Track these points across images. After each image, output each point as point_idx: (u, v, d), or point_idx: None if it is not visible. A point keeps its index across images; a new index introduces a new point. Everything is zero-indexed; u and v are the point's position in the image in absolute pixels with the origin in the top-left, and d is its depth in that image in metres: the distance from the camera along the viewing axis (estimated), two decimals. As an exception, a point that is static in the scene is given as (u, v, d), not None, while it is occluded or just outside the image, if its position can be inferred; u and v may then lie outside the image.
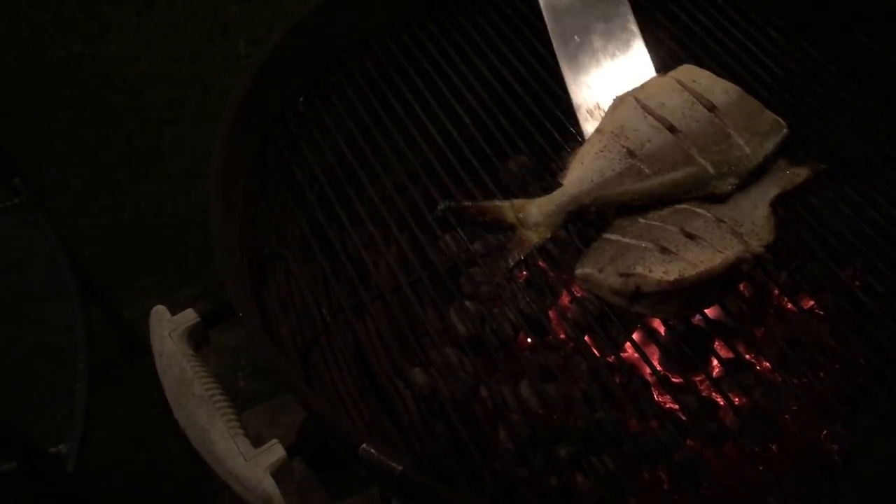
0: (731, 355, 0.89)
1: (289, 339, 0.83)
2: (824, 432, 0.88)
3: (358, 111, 0.95)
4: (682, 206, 0.80)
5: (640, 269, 0.74)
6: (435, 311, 0.98)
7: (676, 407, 0.90)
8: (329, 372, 0.89)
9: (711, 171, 0.83)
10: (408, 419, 0.87)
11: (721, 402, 0.91)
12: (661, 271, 0.73)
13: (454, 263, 0.98)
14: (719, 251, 0.74)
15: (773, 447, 0.87)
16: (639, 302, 0.76)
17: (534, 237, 0.85)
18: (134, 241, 1.99)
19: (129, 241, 1.99)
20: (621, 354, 0.95)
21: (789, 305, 0.96)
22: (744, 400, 0.90)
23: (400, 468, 0.61)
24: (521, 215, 0.86)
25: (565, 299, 1.00)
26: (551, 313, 1.00)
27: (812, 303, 0.96)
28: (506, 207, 0.87)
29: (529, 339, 0.97)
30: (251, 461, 0.63)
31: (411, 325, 0.92)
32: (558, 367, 0.93)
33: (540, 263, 1.00)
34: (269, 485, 0.62)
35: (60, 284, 1.36)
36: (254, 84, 0.91)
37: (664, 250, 0.75)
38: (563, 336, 0.99)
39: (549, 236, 0.87)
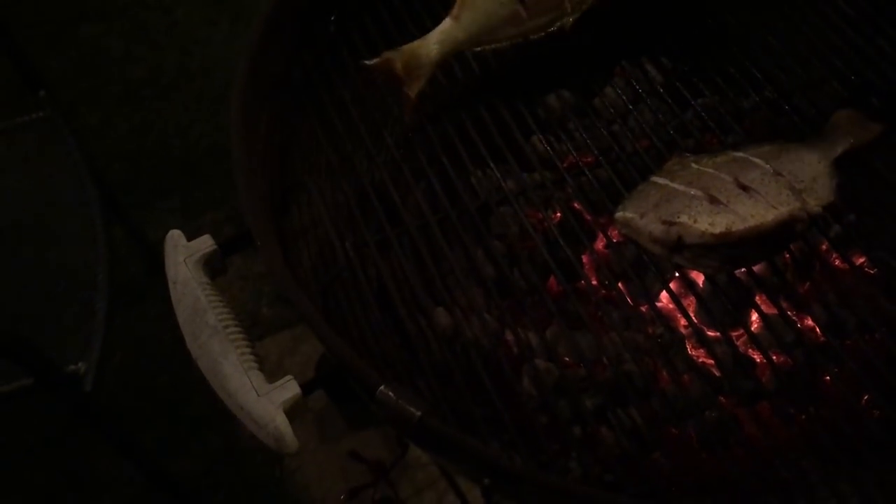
0: (773, 311, 0.84)
1: (309, 272, 0.79)
2: (866, 398, 0.84)
3: (391, 34, 0.89)
4: (740, 154, 0.75)
5: (684, 218, 0.69)
6: (463, 250, 0.94)
7: (711, 362, 0.86)
8: (351, 307, 0.86)
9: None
10: (428, 360, 0.84)
11: (759, 359, 0.87)
12: (708, 222, 0.69)
13: (485, 202, 0.93)
14: (773, 207, 0.69)
15: (811, 410, 0.83)
16: (679, 253, 0.71)
17: (413, 89, 0.83)
18: (160, 161, 1.97)
19: (156, 161, 1.97)
20: (656, 304, 0.90)
21: (838, 262, 0.91)
22: (783, 359, 0.86)
23: (418, 414, 0.58)
24: (410, 63, 0.83)
25: (600, 244, 0.96)
26: (585, 258, 0.96)
27: (863, 260, 0.91)
28: (394, 59, 0.83)
29: (560, 285, 0.93)
30: (264, 397, 0.60)
31: (437, 264, 0.88)
32: (589, 315, 0.89)
33: (575, 205, 0.95)
34: (281, 422, 0.59)
35: (83, 201, 1.34)
36: (283, 1, 0.86)
37: (713, 200, 0.70)
38: (595, 282, 0.95)
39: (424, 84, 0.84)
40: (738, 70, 0.95)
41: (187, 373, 1.54)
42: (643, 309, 0.91)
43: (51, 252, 1.29)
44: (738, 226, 0.69)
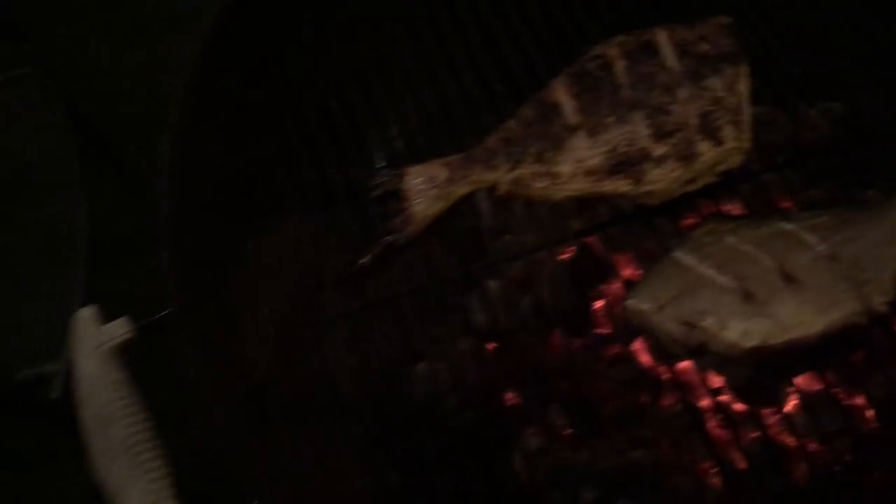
0: (815, 386, 0.71)
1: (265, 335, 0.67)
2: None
3: (379, 46, 0.74)
4: (788, 226, 0.60)
5: (710, 322, 0.56)
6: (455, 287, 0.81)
7: (735, 445, 0.73)
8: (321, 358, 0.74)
9: None
10: (403, 427, 0.73)
11: (793, 445, 0.74)
12: (739, 331, 0.55)
13: (481, 228, 0.79)
14: (824, 310, 0.55)
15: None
16: (701, 357, 0.58)
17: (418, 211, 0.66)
18: (170, 103, 1.84)
19: (166, 102, 1.84)
20: (677, 367, 0.77)
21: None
22: (823, 448, 0.73)
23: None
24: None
25: (617, 286, 0.82)
26: (598, 305, 0.82)
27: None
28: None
29: (565, 338, 0.80)
30: (173, 544, 0.50)
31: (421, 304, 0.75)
32: (598, 375, 0.77)
33: (588, 241, 0.81)
34: (190, 581, 0.49)
35: (62, 170, 1.23)
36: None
37: (749, 297, 0.56)
38: (608, 332, 0.81)
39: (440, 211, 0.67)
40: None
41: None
42: (662, 372, 0.78)
43: (29, 229, 1.19)
44: (777, 338, 0.55)
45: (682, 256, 0.60)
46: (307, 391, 0.65)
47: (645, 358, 0.80)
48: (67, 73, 1.41)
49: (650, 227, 0.74)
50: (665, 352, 0.76)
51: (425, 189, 0.64)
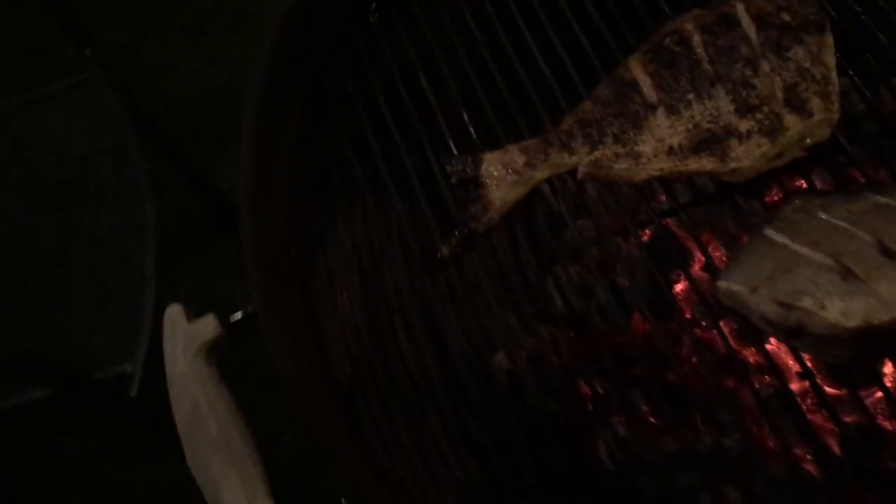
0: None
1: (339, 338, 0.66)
2: None
3: (446, 29, 0.72)
4: (884, 199, 0.57)
5: (808, 303, 0.53)
6: (530, 273, 0.80)
7: (829, 430, 0.71)
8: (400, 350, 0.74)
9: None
10: (484, 415, 0.72)
11: (891, 429, 0.71)
12: (839, 310, 0.52)
13: (557, 212, 0.78)
14: (930, 287, 0.52)
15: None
16: (798, 339, 0.56)
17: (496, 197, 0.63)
18: (227, 102, 1.86)
19: (222, 102, 1.86)
20: (765, 347, 0.75)
21: None
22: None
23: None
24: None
25: (697, 267, 0.80)
26: (678, 287, 0.80)
27: None
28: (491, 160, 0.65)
29: (646, 322, 0.79)
30: (269, 539, 0.50)
31: (498, 291, 0.74)
32: (681, 360, 0.75)
33: (667, 223, 0.79)
34: (287, 576, 0.49)
35: (130, 171, 1.25)
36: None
37: (847, 274, 0.54)
38: (689, 317, 0.80)
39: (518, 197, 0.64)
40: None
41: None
42: (748, 354, 0.76)
43: (97, 230, 1.22)
44: (881, 316, 0.52)
45: (774, 235, 0.58)
46: (387, 380, 0.65)
47: (729, 342, 0.77)
48: (128, 75, 1.44)
49: (731, 207, 0.72)
50: (750, 335, 0.74)
51: (503, 175, 0.62)
